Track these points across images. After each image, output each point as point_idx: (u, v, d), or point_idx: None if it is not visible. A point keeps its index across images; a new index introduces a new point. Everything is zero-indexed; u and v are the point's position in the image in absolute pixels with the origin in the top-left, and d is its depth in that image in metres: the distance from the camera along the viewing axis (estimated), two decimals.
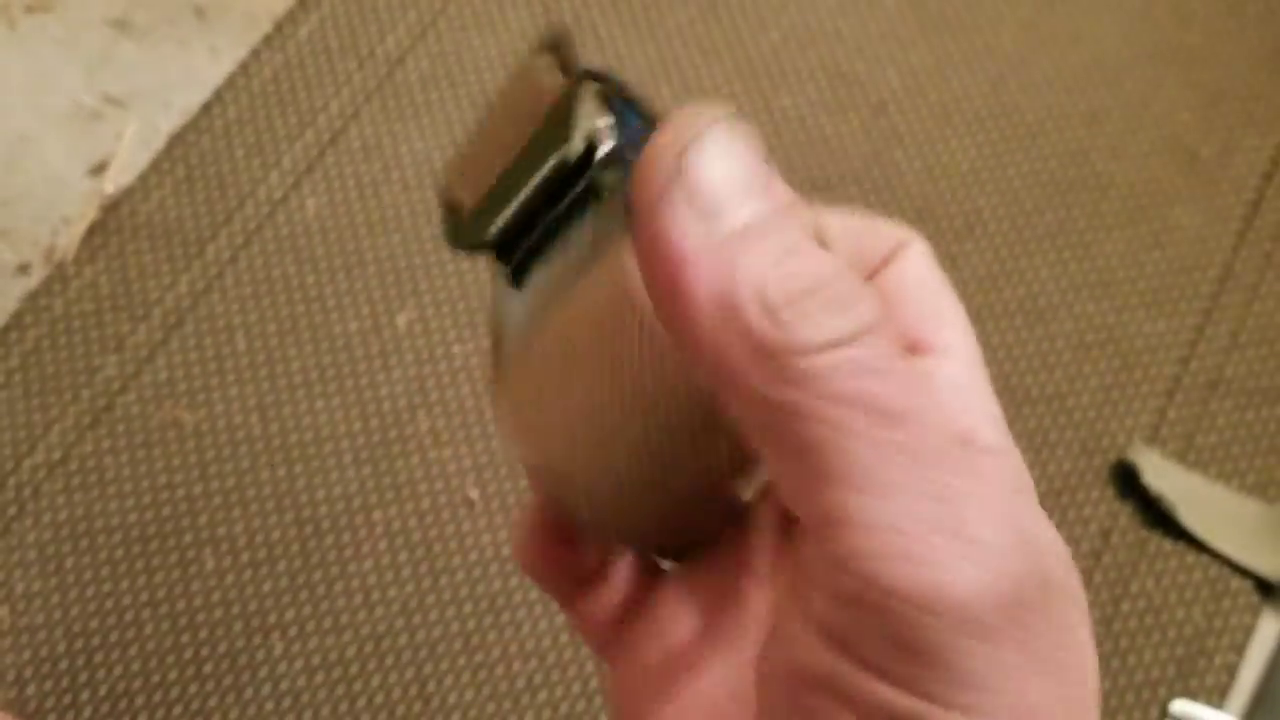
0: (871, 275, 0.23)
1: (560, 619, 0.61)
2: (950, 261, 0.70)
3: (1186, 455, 0.66)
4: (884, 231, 0.24)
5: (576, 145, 0.22)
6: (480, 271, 0.68)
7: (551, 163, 0.22)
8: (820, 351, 0.17)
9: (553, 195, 0.22)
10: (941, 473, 0.18)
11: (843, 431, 0.17)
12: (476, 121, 0.22)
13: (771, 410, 0.18)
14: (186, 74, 0.72)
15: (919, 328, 0.23)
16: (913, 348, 0.22)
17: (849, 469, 0.17)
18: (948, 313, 0.23)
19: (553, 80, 0.23)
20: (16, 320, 0.65)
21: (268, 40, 0.72)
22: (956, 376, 0.22)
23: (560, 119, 0.22)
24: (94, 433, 0.63)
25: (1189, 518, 0.64)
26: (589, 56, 0.73)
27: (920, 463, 0.17)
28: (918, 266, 0.23)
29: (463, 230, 0.23)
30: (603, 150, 0.22)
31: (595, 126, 0.22)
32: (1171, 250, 0.71)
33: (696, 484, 0.24)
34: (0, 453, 0.63)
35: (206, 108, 0.71)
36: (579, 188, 0.22)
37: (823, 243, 0.20)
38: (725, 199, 0.18)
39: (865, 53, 0.75)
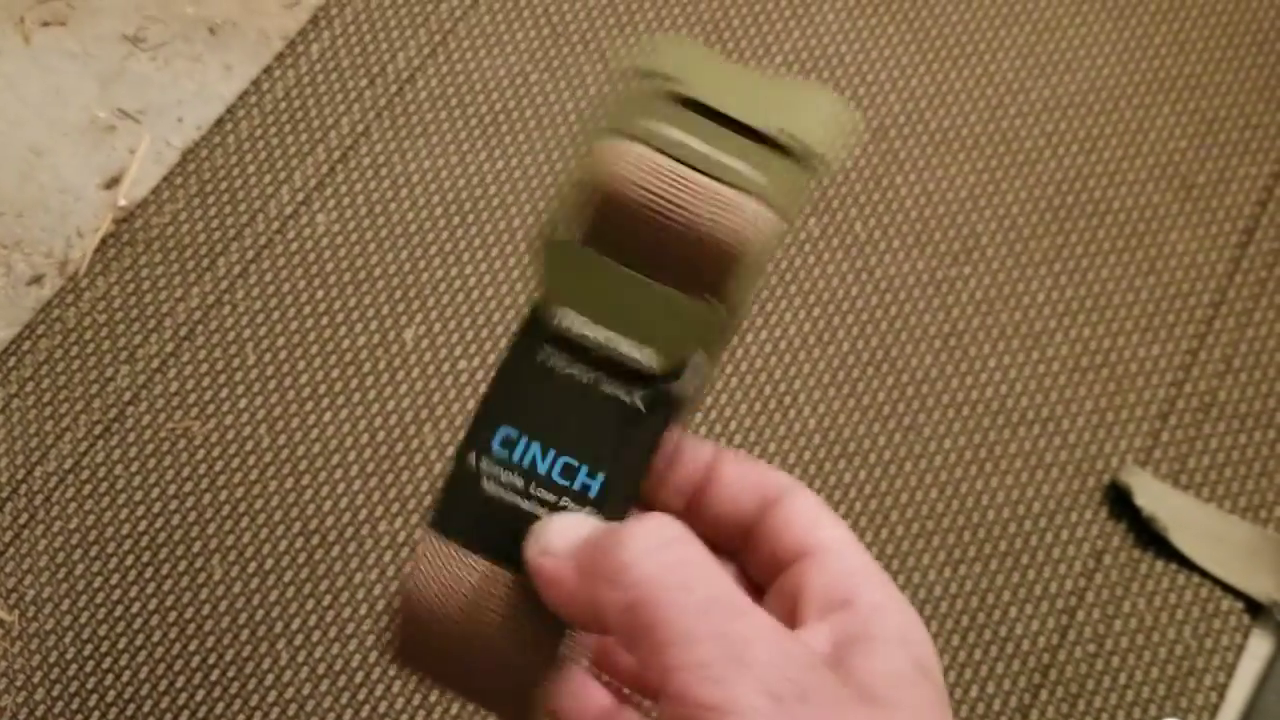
0: (763, 507, 0.32)
1: None
2: (948, 285, 0.71)
3: (1179, 477, 0.67)
4: (775, 477, 0.32)
5: None
6: (486, 287, 0.69)
7: None
8: (638, 561, 0.26)
9: None
10: (727, 624, 0.26)
11: (660, 608, 0.26)
12: None
13: (623, 614, 0.26)
14: (200, 90, 0.73)
15: (804, 539, 0.31)
16: (797, 555, 0.31)
17: (668, 636, 0.25)
18: (827, 524, 0.31)
19: None
20: (30, 330, 0.66)
21: (280, 58, 0.74)
22: (834, 563, 0.30)
23: None
24: (105, 442, 0.64)
25: (1181, 539, 0.65)
26: (595, 78, 0.74)
27: (711, 620, 0.26)
28: (803, 501, 0.31)
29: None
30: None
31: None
32: (1166, 275, 0.72)
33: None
34: (12, 461, 0.64)
35: (219, 123, 0.72)
36: None
37: (716, 483, 0.32)
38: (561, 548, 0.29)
39: (866, 78, 0.76)
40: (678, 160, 0.29)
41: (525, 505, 0.30)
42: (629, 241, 0.29)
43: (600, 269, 0.29)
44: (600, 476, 0.30)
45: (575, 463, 0.30)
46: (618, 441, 0.30)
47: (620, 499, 0.30)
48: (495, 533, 0.30)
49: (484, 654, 0.30)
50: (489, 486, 0.30)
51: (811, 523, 0.31)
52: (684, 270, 0.29)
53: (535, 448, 0.30)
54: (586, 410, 0.30)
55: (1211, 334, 0.71)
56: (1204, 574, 0.65)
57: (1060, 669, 0.63)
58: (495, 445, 0.30)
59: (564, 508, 0.30)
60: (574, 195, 0.29)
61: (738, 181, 0.28)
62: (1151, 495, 0.66)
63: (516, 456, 0.30)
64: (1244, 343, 0.71)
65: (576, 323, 0.29)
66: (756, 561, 0.32)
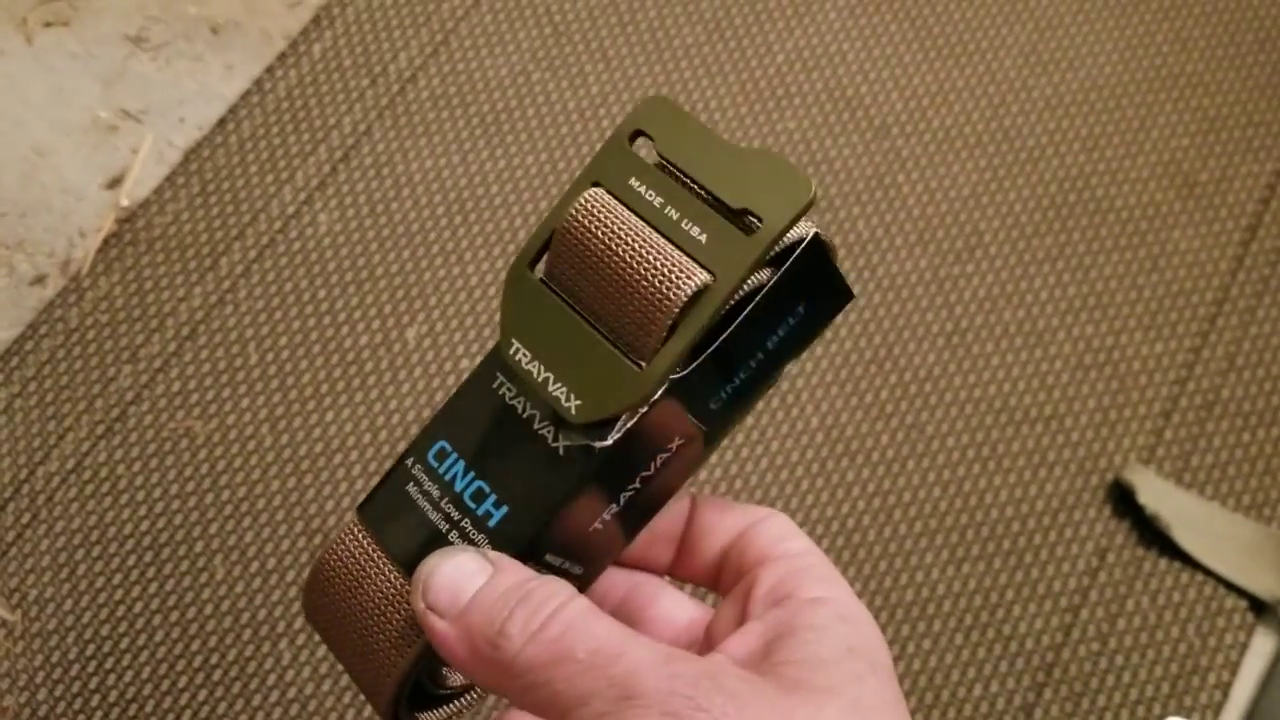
0: (739, 536, 0.33)
1: None
2: (950, 283, 0.71)
3: (1183, 475, 0.67)
4: (751, 512, 0.33)
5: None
6: (488, 287, 0.69)
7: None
8: (522, 650, 0.28)
9: None
10: (611, 670, 0.27)
11: (552, 685, 0.27)
12: None
13: (521, 696, 0.28)
14: (202, 90, 0.73)
15: (765, 552, 0.32)
16: (758, 565, 0.32)
17: (567, 704, 0.27)
18: (794, 538, 0.32)
19: None
20: (32, 330, 0.66)
21: (282, 57, 0.74)
22: (787, 564, 0.31)
23: None
24: (107, 442, 0.64)
25: (1184, 537, 0.65)
26: (597, 77, 0.74)
27: (598, 672, 0.27)
28: (773, 522, 0.32)
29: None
30: None
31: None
32: (1169, 274, 0.72)
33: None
34: (15, 460, 0.64)
35: (221, 123, 0.72)
36: None
37: (695, 528, 0.34)
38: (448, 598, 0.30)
39: (869, 76, 0.76)
40: (634, 212, 0.30)
41: (432, 516, 0.31)
42: (578, 284, 0.30)
43: (552, 309, 0.30)
44: (504, 509, 0.30)
45: (486, 489, 0.30)
46: (531, 479, 0.30)
47: (516, 536, 0.30)
48: (402, 534, 0.31)
49: (359, 643, 0.31)
50: (412, 490, 0.31)
51: (776, 537, 0.32)
52: (621, 324, 0.29)
53: (459, 466, 0.31)
54: (514, 443, 0.30)
55: (1214, 332, 0.71)
56: (1207, 572, 0.65)
57: (1064, 667, 0.63)
58: (430, 455, 0.31)
59: (463, 529, 0.30)
60: (542, 234, 0.31)
61: (690, 248, 0.29)
62: (1155, 493, 0.66)
63: (443, 470, 0.31)
64: (1247, 340, 0.71)
65: (523, 355, 0.30)
66: (730, 583, 0.33)
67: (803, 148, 0.74)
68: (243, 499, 0.64)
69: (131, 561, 0.62)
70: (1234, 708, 0.63)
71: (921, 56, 0.77)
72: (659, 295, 0.28)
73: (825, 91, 0.75)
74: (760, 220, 0.28)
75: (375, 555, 0.31)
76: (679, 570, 0.35)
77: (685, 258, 0.29)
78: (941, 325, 0.70)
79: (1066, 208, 0.74)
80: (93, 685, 0.60)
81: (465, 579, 0.29)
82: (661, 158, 0.30)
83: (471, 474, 0.31)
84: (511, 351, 0.30)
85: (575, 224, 0.30)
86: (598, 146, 0.72)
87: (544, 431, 0.30)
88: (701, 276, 0.28)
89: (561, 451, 0.30)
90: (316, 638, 0.61)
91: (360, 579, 0.31)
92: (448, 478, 0.31)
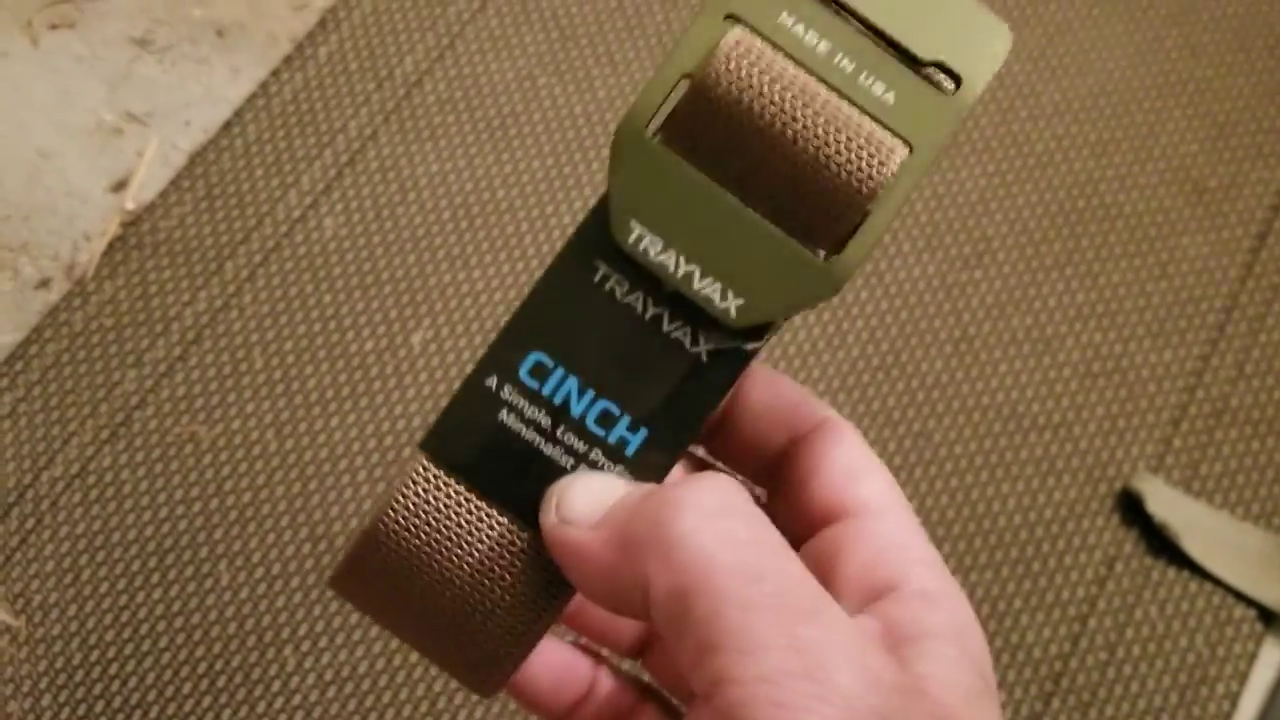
0: (795, 441, 0.27)
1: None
2: (958, 289, 0.71)
3: (1192, 484, 0.67)
4: (809, 407, 0.28)
5: None
6: (494, 292, 0.68)
7: None
8: (695, 531, 0.22)
9: None
10: (801, 628, 0.21)
11: (719, 599, 0.21)
12: None
13: (670, 600, 0.22)
14: (207, 93, 0.73)
15: (839, 494, 0.26)
16: (832, 513, 0.26)
17: (725, 636, 0.21)
18: (869, 475, 0.26)
19: None
20: (36, 334, 0.66)
21: (288, 61, 0.73)
22: (876, 532, 0.25)
23: None
24: (112, 447, 0.64)
25: (1193, 546, 0.65)
26: (604, 82, 0.74)
27: (782, 621, 0.21)
28: (841, 444, 0.27)
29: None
30: None
31: None
32: (1178, 280, 0.72)
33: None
34: (19, 465, 0.64)
35: (227, 126, 0.72)
36: None
37: (740, 407, 0.27)
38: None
39: None
40: (808, 70, 0.24)
41: (548, 450, 0.25)
42: (733, 158, 0.24)
43: (692, 185, 0.24)
44: (642, 432, 0.25)
45: (616, 410, 0.25)
46: (671, 395, 0.25)
47: (660, 463, 0.26)
48: (505, 474, 0.26)
49: (459, 611, 0.26)
50: (507, 418, 0.25)
51: (849, 473, 0.26)
52: (795, 208, 0.24)
53: (572, 383, 0.25)
54: (641, 350, 0.25)
55: (1224, 339, 0.71)
56: (1216, 582, 0.65)
57: (1072, 677, 0.63)
58: (523, 372, 0.25)
59: (594, 462, 0.25)
60: (666, 83, 0.24)
61: (877, 112, 0.24)
62: (1163, 502, 0.66)
63: (548, 390, 0.25)
64: (1256, 348, 0.71)
65: (652, 243, 0.24)
66: (784, 510, 0.27)
67: None
68: (248, 504, 0.63)
69: (136, 567, 0.62)
70: (1242, 718, 0.63)
71: None
72: (856, 173, 0.24)
73: None
74: (956, 77, 0.25)
75: (472, 502, 0.26)
76: (719, 448, 0.29)
77: (877, 126, 0.24)
78: (949, 332, 0.70)
79: (1075, 214, 0.73)
80: (97, 691, 0.60)
81: (611, 486, 0.25)
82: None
83: (590, 393, 0.25)
84: (633, 239, 0.24)
85: (724, 76, 0.24)
86: (605, 151, 0.72)
87: (678, 335, 0.25)
88: (901, 152, 0.24)
89: (705, 357, 0.25)
90: (322, 644, 0.61)
91: (454, 533, 0.25)
92: (558, 400, 0.25)
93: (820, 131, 0.24)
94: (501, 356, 0.26)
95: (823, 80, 0.24)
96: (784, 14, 0.24)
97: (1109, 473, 0.67)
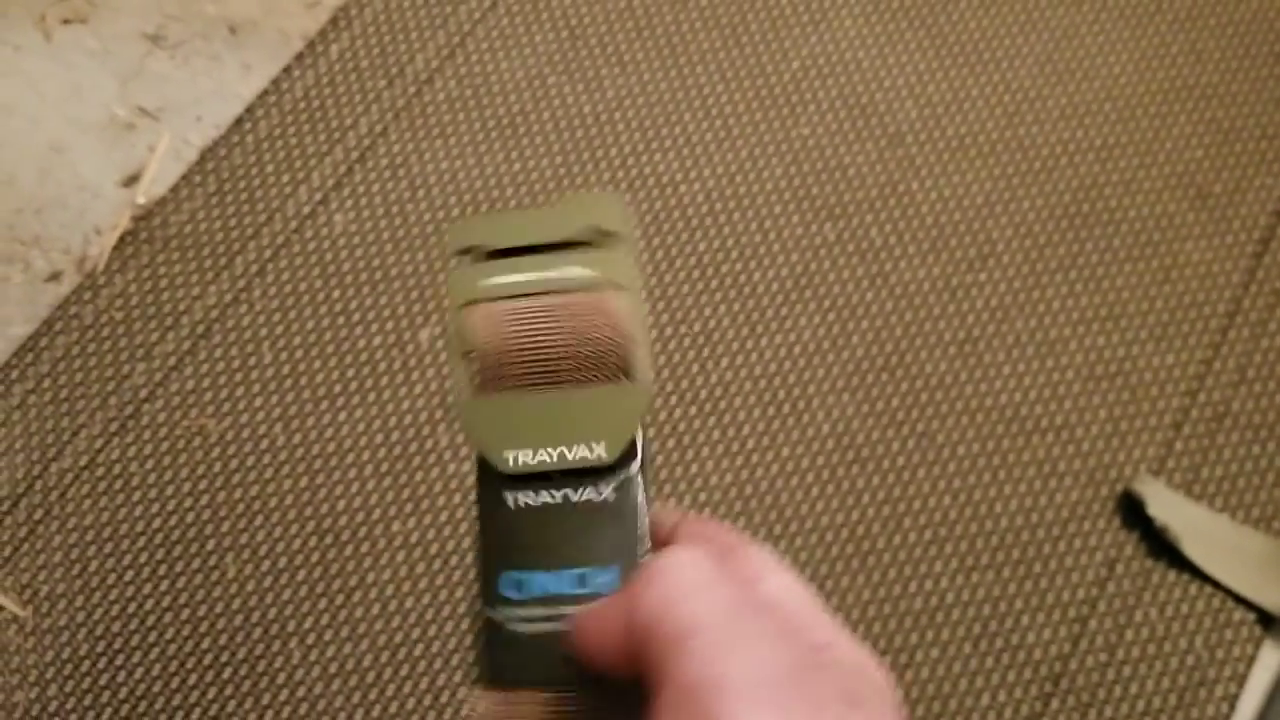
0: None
1: None
2: (963, 292, 0.71)
3: (1193, 487, 0.67)
4: (725, 536, 0.32)
5: None
6: None
7: None
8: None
9: None
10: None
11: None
12: None
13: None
14: (219, 89, 0.73)
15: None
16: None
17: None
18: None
19: None
20: (47, 327, 0.67)
21: (299, 58, 0.74)
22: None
23: None
24: (120, 439, 0.65)
25: (1193, 549, 0.65)
26: (613, 81, 0.74)
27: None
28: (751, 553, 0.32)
29: None
30: None
31: None
32: (1181, 285, 0.72)
33: None
34: (28, 456, 0.64)
35: (238, 122, 0.72)
36: None
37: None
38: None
39: (884, 84, 0.76)
40: (526, 295, 0.32)
41: (560, 624, 0.31)
42: (530, 375, 0.32)
43: (520, 405, 0.31)
44: (614, 569, 0.31)
45: (584, 571, 0.31)
46: (609, 535, 0.31)
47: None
48: (547, 663, 0.31)
49: None
50: (521, 628, 0.31)
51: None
52: (587, 370, 0.31)
53: (541, 577, 0.31)
54: (570, 524, 0.31)
55: (1226, 344, 0.71)
56: (1216, 584, 0.65)
57: (1071, 677, 0.63)
58: (507, 592, 0.31)
59: None
60: (464, 363, 0.32)
61: (580, 284, 0.32)
62: (1164, 505, 0.66)
63: (531, 591, 0.31)
64: (1258, 353, 0.71)
65: (525, 456, 0.31)
66: None
67: (816, 154, 0.74)
68: (255, 498, 0.64)
69: (143, 559, 0.62)
70: None
71: (936, 65, 0.77)
72: (605, 327, 0.31)
73: (840, 99, 0.76)
74: (607, 232, 0.32)
75: (539, 697, 0.31)
76: None
77: (586, 293, 0.32)
78: (953, 334, 0.70)
79: (1080, 218, 0.74)
80: (103, 681, 0.60)
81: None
82: (494, 250, 0.33)
83: (561, 571, 0.31)
84: (510, 461, 0.31)
85: (491, 337, 0.32)
86: (603, 158, 0.73)
87: (586, 496, 0.31)
88: (615, 294, 0.31)
89: (612, 495, 0.31)
90: (327, 637, 0.61)
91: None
92: (541, 593, 0.31)
93: (557, 322, 0.31)
94: (487, 590, 0.32)
95: (541, 294, 0.32)
96: (483, 280, 0.32)
97: (1110, 475, 0.67)
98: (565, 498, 0.31)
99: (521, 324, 0.32)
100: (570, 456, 0.31)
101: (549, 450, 0.31)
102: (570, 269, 0.32)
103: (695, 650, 0.26)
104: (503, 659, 0.31)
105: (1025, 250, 0.72)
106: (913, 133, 0.75)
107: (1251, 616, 0.65)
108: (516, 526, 0.32)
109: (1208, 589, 0.65)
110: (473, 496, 0.33)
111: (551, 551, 0.31)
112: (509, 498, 0.32)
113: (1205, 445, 0.69)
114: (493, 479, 0.32)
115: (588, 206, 0.33)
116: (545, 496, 0.32)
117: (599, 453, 0.31)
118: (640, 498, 0.32)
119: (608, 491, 0.31)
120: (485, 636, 0.32)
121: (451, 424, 0.66)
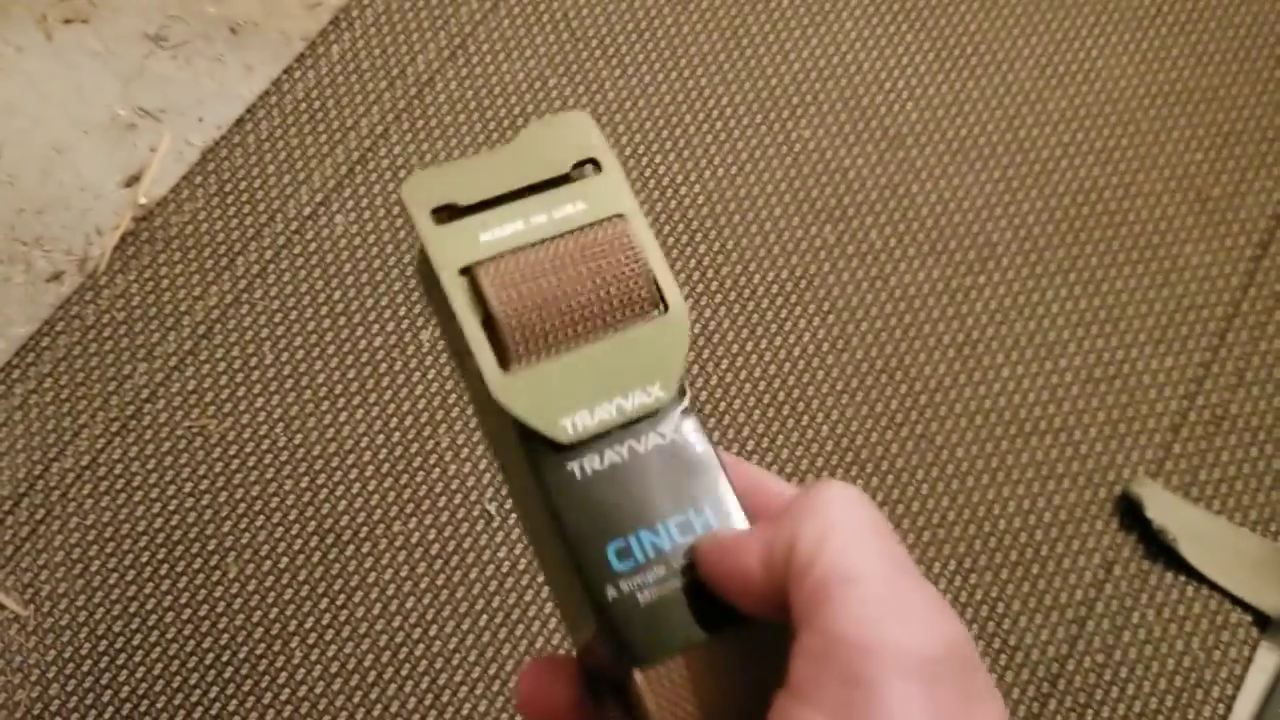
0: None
1: None
2: (963, 294, 0.71)
3: (1190, 490, 0.68)
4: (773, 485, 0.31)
5: None
6: None
7: None
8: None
9: None
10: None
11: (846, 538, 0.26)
12: None
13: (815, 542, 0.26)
14: (220, 89, 0.73)
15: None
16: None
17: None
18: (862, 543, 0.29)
19: None
20: (49, 327, 0.67)
21: (300, 59, 0.74)
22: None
23: None
24: (122, 439, 0.65)
25: (1191, 551, 0.65)
26: (613, 83, 0.75)
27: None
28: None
29: None
30: None
31: None
32: (1180, 288, 0.72)
33: None
34: (30, 456, 0.64)
35: (239, 123, 0.72)
36: None
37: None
38: None
39: (884, 86, 0.76)
40: (532, 244, 0.30)
41: (685, 578, 0.29)
42: (564, 331, 0.29)
43: (563, 367, 0.29)
44: (708, 505, 0.29)
45: (683, 517, 0.29)
46: (691, 475, 0.29)
47: (739, 515, 0.30)
48: (681, 625, 0.29)
49: None
50: (644, 595, 0.29)
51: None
52: (620, 311, 0.30)
53: (644, 536, 0.29)
54: (647, 476, 0.29)
55: (1224, 347, 0.71)
56: (1213, 586, 0.65)
57: (1069, 678, 0.64)
58: (615, 565, 0.29)
59: None
60: (484, 334, 0.29)
61: (582, 222, 0.30)
62: (1162, 507, 0.66)
63: (642, 555, 0.29)
64: (1257, 356, 0.71)
65: (584, 419, 0.29)
66: None
67: (816, 156, 0.74)
68: (256, 498, 0.64)
69: (144, 558, 0.63)
70: None
71: (937, 67, 0.77)
72: (627, 261, 0.30)
73: (840, 101, 0.76)
74: (594, 162, 0.30)
75: (691, 655, 0.29)
76: None
77: (595, 227, 0.30)
78: (953, 336, 0.70)
79: (1079, 220, 0.74)
80: (104, 681, 0.60)
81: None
82: (472, 204, 0.30)
83: (659, 527, 0.29)
84: (571, 429, 0.29)
85: (509, 299, 0.29)
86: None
87: (655, 441, 0.29)
88: (625, 223, 0.30)
89: (679, 435, 0.30)
90: (329, 636, 0.62)
91: (707, 686, 0.29)
92: (653, 552, 0.29)
93: (581, 265, 0.29)
94: (593, 572, 0.29)
95: (545, 241, 0.30)
96: (480, 238, 0.29)
97: (1109, 477, 0.68)
98: (631, 451, 0.29)
99: (540, 279, 0.29)
100: (629, 407, 0.29)
101: (606, 407, 0.29)
102: (565, 207, 0.30)
103: (852, 600, 0.25)
104: (646, 636, 0.29)
105: (1025, 253, 0.73)
106: (913, 135, 0.75)
107: (1248, 619, 0.65)
108: (595, 496, 0.29)
109: (1205, 591, 0.65)
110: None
111: (642, 509, 0.29)
112: (574, 469, 0.29)
113: (1203, 448, 0.69)
114: (547, 458, 0.29)
115: (556, 135, 0.31)
116: (612, 456, 0.29)
117: (656, 394, 0.29)
118: (702, 427, 0.30)
119: (671, 431, 0.29)
120: (613, 623, 0.29)
121: (453, 424, 0.66)
